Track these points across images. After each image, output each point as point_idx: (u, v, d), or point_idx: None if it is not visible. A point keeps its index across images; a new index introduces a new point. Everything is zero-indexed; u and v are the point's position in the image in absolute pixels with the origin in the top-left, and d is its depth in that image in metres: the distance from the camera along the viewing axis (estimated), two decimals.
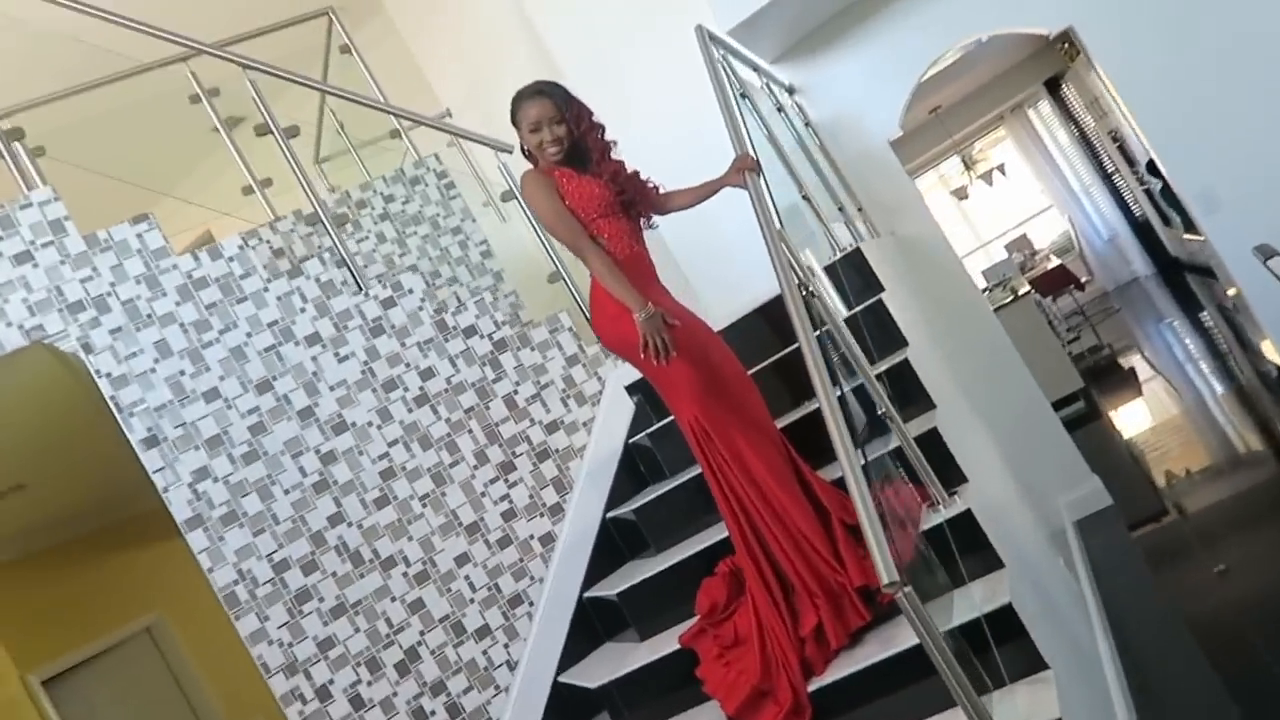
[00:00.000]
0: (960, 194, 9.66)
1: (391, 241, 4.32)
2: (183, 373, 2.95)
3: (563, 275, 3.54)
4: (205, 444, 2.93)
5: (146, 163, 4.91)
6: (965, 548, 2.32)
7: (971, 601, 2.17)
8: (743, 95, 3.28)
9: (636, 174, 2.64)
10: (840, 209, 3.95)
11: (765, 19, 3.99)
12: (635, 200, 2.58)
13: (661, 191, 2.71)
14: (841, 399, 2.31)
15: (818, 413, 2.48)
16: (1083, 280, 9.48)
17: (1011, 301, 6.54)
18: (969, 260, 10.92)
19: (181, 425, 2.91)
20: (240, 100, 3.44)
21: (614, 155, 2.59)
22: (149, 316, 2.95)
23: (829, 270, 3.08)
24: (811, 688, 2.22)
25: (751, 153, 2.63)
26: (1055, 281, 8.79)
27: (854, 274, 3.13)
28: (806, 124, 4.60)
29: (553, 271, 3.59)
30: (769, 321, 3.15)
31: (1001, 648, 2.10)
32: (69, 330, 2.86)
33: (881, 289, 3.08)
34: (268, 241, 3.75)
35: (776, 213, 2.58)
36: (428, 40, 5.66)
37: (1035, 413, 4.50)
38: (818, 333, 2.44)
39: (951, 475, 2.51)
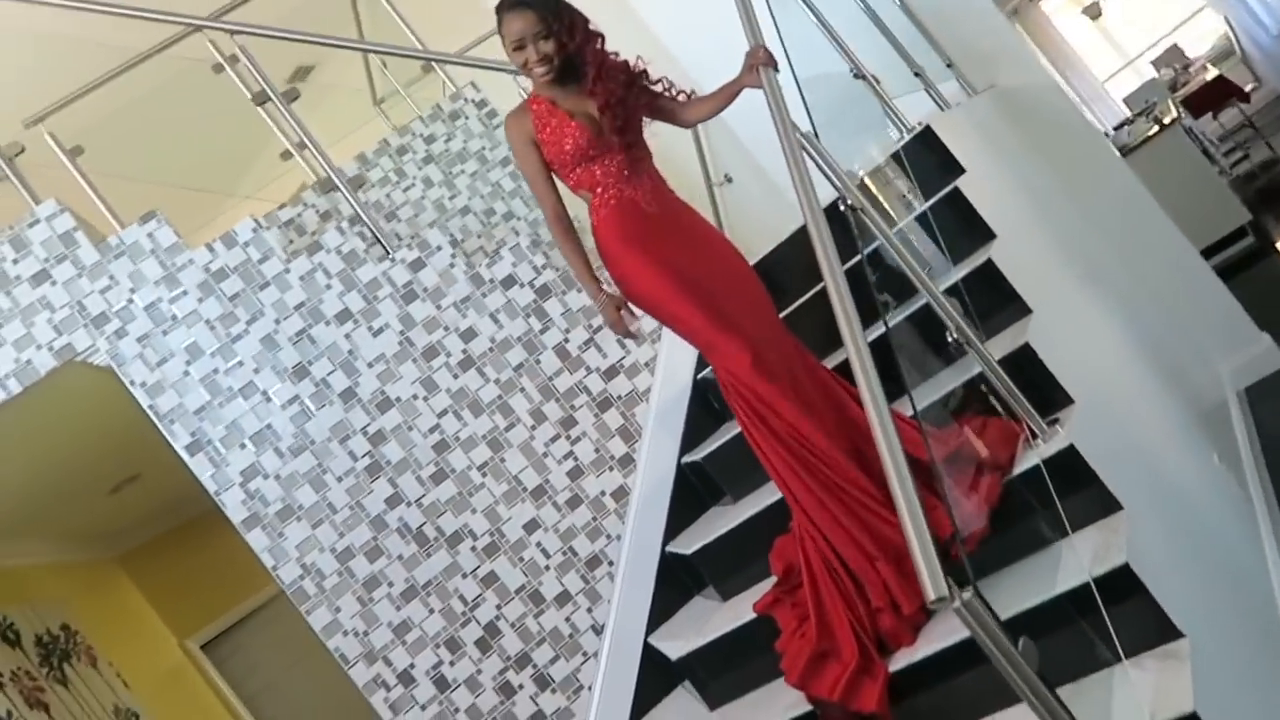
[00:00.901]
0: (1092, 11, 8.47)
1: (439, 184, 4.08)
2: (216, 371, 2.85)
3: None
4: (251, 441, 2.84)
5: (207, 156, 4.83)
6: (1072, 488, 1.93)
7: (1077, 561, 1.79)
8: None
9: (642, 78, 2.25)
10: (916, 74, 3.39)
11: None
12: (632, 122, 2.22)
13: (684, 98, 2.34)
14: (885, 339, 1.93)
15: (876, 343, 2.12)
16: (1247, 89, 8.21)
17: (1155, 134, 5.68)
18: (1116, 83, 9.69)
19: (224, 426, 2.82)
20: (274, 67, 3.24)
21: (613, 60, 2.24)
22: (173, 319, 2.85)
23: (895, 159, 2.61)
24: (894, 667, 1.93)
25: (762, 42, 2.19)
26: (1213, 96, 7.63)
27: (927, 156, 2.66)
28: None
29: None
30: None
31: (1123, 610, 1.74)
32: (97, 345, 2.80)
33: (960, 170, 2.60)
34: (289, 221, 3.59)
35: (808, 113, 2.17)
36: None
37: (1182, 270, 3.87)
38: (869, 249, 2.06)
39: (1054, 397, 2.09)
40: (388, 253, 3.01)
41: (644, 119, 2.29)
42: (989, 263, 2.29)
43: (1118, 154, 4.14)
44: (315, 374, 2.89)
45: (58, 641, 3.90)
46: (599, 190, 2.24)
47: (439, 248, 3.02)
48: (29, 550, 4.25)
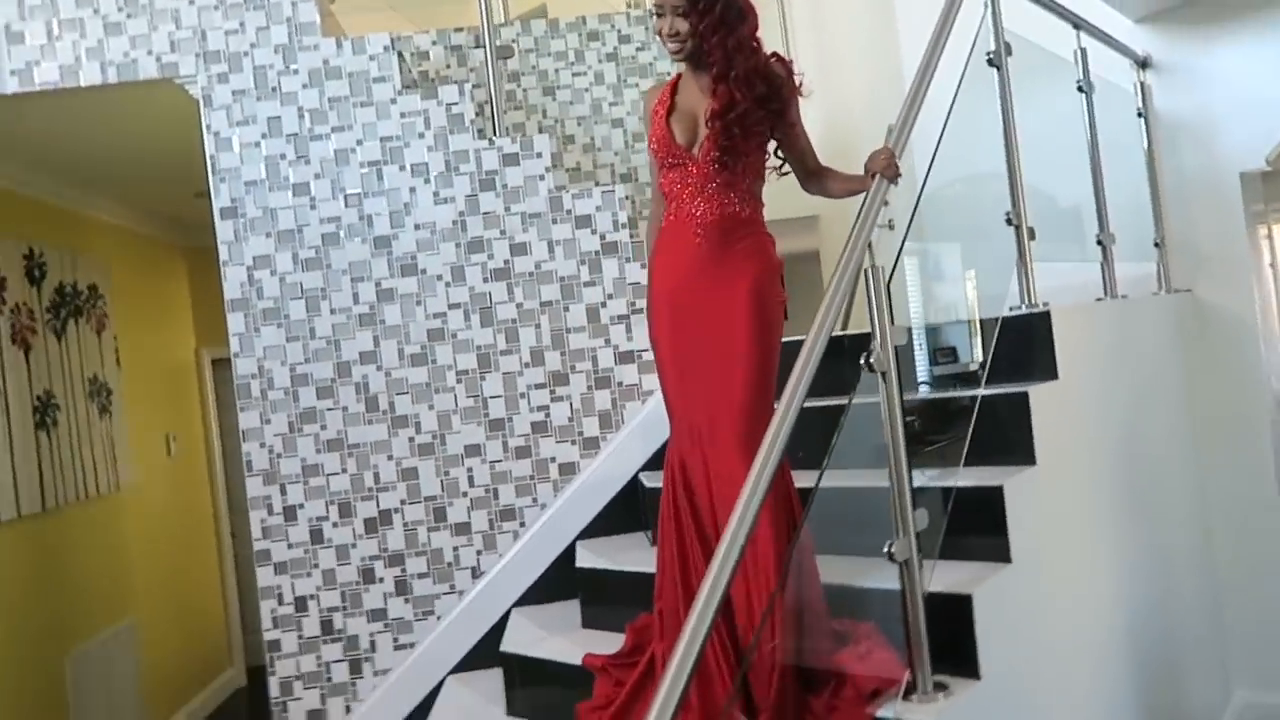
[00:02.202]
0: None
1: (597, 89, 3.90)
2: (283, 156, 2.86)
3: None
4: (277, 235, 2.86)
5: None
6: None
7: None
8: (991, 62, 2.48)
9: (780, 96, 1.99)
10: (1098, 241, 3.03)
11: None
12: (743, 141, 1.98)
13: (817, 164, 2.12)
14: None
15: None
16: None
17: None
18: None
19: (262, 209, 2.85)
20: None
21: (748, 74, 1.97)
22: (273, 90, 2.85)
23: (982, 325, 2.34)
24: None
25: (896, 152, 1.95)
26: None
27: (1029, 335, 2.38)
28: (1140, 114, 3.55)
29: None
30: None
31: None
32: (198, 77, 2.83)
33: (1052, 376, 2.32)
34: (440, 44, 3.51)
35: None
36: None
37: (1256, 577, 3.44)
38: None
39: (965, 662, 1.88)
40: (491, 136, 2.92)
41: (767, 142, 2.06)
42: (998, 491, 2.04)
43: (1270, 420, 3.65)
44: (366, 208, 2.87)
45: (78, 296, 4.13)
46: (671, 202, 2.07)
47: (539, 154, 2.91)
48: (103, 206, 4.47)
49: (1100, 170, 3.10)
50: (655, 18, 2.01)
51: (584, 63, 3.88)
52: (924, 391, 2.40)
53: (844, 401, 1.85)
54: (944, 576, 1.92)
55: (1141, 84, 3.56)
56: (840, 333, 2.80)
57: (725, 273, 2.01)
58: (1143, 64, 3.56)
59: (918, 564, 1.80)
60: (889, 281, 1.84)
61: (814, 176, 2.12)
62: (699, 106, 2.03)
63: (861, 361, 1.80)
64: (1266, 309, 3.71)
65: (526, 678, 2.48)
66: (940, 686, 1.81)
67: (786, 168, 2.12)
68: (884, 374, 1.79)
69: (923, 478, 1.96)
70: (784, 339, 2.07)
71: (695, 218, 2.02)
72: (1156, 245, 3.54)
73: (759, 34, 2.02)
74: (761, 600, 1.93)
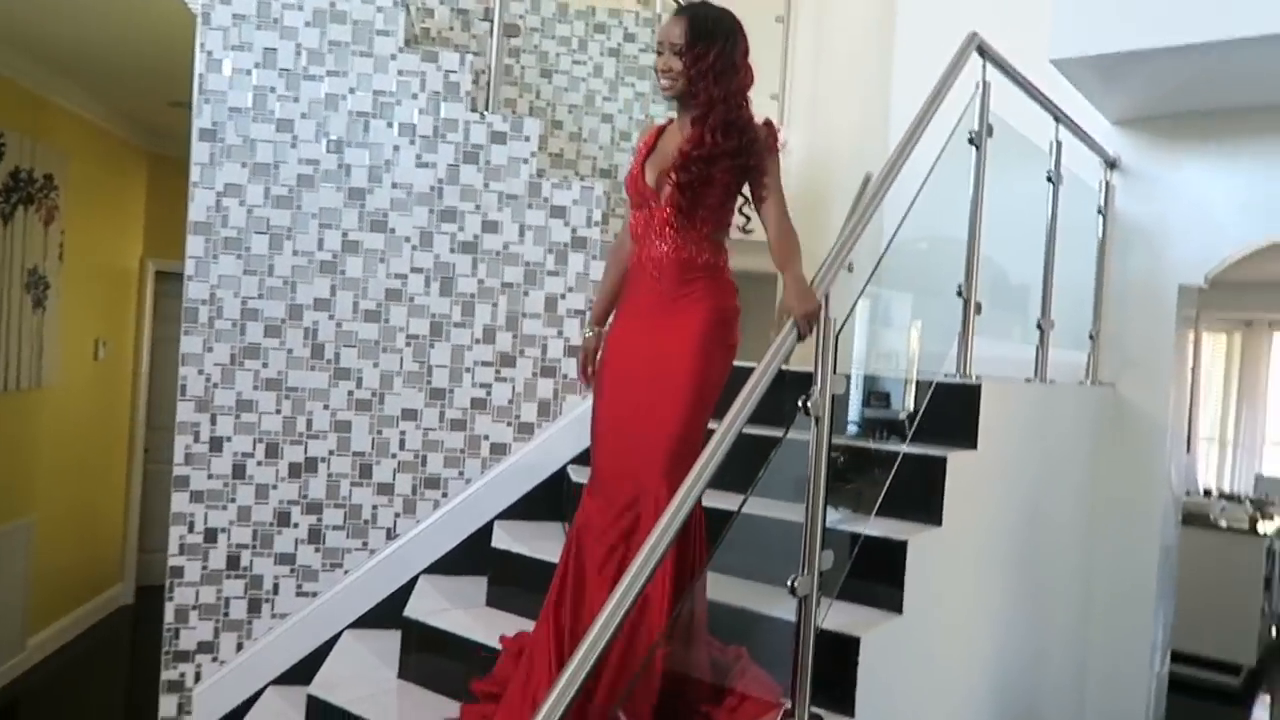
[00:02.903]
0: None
1: (589, 81, 3.95)
2: (273, 89, 2.84)
3: None
4: (253, 166, 2.84)
5: None
6: None
7: None
8: (972, 141, 2.59)
9: (751, 150, 2.01)
10: (1038, 325, 3.18)
11: (1141, 68, 3.06)
12: (706, 190, 2.02)
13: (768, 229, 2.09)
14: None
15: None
16: None
17: (1236, 530, 5.31)
18: (1249, 456, 9.15)
19: (241, 138, 2.83)
20: None
21: (730, 128, 2.01)
22: (275, 21, 2.84)
23: (918, 385, 2.45)
24: None
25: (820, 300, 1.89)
26: None
27: (955, 402, 2.49)
28: (1100, 211, 3.71)
29: None
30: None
31: None
32: None
33: (970, 445, 2.44)
34: (448, 5, 3.52)
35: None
36: None
37: (1131, 658, 3.64)
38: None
39: (843, 695, 1.98)
40: (483, 110, 2.95)
41: (734, 195, 2.09)
42: (902, 546, 2.15)
43: (1172, 513, 3.86)
44: (346, 157, 2.87)
45: (32, 184, 4.02)
46: (636, 243, 2.13)
47: (527, 138, 2.95)
48: (73, 95, 4.36)
49: (1053, 259, 3.25)
50: (656, 53, 2.08)
51: (585, 52, 3.92)
52: (851, 432, 2.50)
53: (775, 433, 1.93)
54: (838, 616, 2.02)
55: (1107, 183, 3.72)
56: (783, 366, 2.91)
57: (677, 310, 2.06)
58: (1111, 164, 3.72)
59: (815, 601, 1.90)
60: (838, 332, 1.92)
61: (770, 239, 2.09)
62: (674, 150, 2.07)
63: (799, 404, 1.89)
64: (1179, 411, 3.92)
65: (424, 644, 2.53)
66: (815, 718, 1.91)
67: (750, 225, 2.14)
68: (818, 418, 1.89)
69: (834, 517, 2.06)
70: (736, 363, 2.14)
71: (654, 259, 2.08)
72: (1091, 338, 3.71)
73: (749, 93, 2.07)
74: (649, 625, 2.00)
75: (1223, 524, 5.39)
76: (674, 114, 2.16)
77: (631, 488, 2.02)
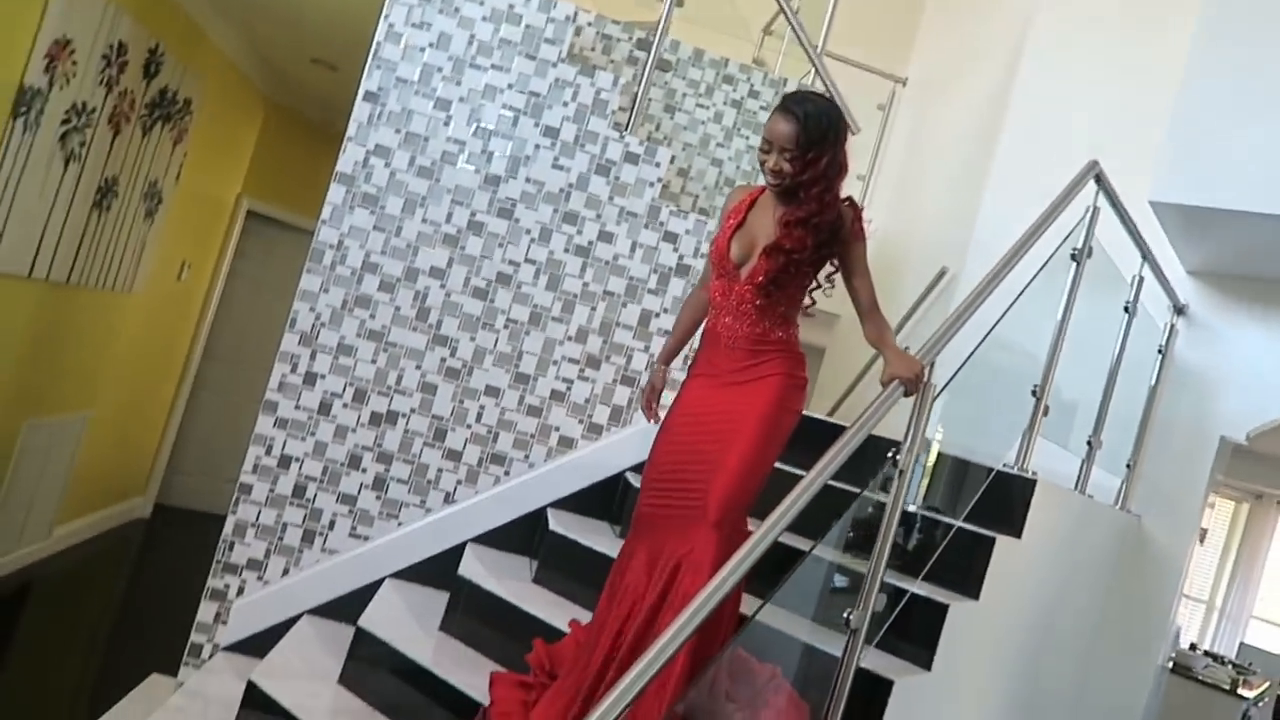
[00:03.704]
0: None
1: (718, 129, 4.18)
2: (439, 70, 3.06)
3: None
4: (405, 135, 3.05)
5: None
6: None
7: None
8: (1073, 257, 2.78)
9: (835, 241, 2.12)
10: (1089, 444, 3.34)
11: (1230, 226, 3.23)
12: (792, 280, 2.13)
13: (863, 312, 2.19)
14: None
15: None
16: None
17: (1217, 688, 5.41)
18: (1234, 626, 9.22)
19: (403, 107, 3.04)
20: None
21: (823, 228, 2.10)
22: (455, 10, 3.06)
23: (983, 471, 2.61)
24: None
25: (927, 363, 2.06)
26: None
27: (1009, 495, 2.65)
28: (1160, 351, 3.89)
29: None
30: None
31: None
32: None
33: (1017, 533, 2.59)
34: (595, 28, 3.76)
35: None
36: None
37: None
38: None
39: None
40: (624, 131, 3.15)
41: (811, 280, 2.19)
42: (943, 609, 2.30)
43: (1168, 653, 3.99)
44: (491, 145, 3.08)
45: (174, 105, 4.26)
46: (713, 309, 2.23)
47: (657, 164, 3.15)
48: (223, 31, 4.61)
49: (1114, 383, 3.42)
50: (762, 152, 2.12)
51: (710, 98, 4.15)
52: (913, 497, 2.65)
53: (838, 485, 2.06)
54: (874, 660, 2.17)
55: (1171, 326, 3.90)
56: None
57: (751, 376, 2.17)
58: (1179, 310, 3.91)
59: (863, 635, 2.05)
60: (937, 395, 2.10)
61: (864, 318, 2.20)
62: (762, 234, 2.15)
63: (889, 456, 2.06)
64: (1193, 565, 4.06)
65: (470, 604, 2.66)
66: None
67: (811, 305, 2.25)
68: (902, 472, 2.05)
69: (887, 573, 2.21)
70: (805, 412, 2.30)
71: (726, 328, 2.19)
72: (1128, 467, 3.86)
73: (842, 187, 2.18)
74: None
75: (1205, 680, 5.48)
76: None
77: (678, 534, 2.12)
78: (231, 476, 5.54)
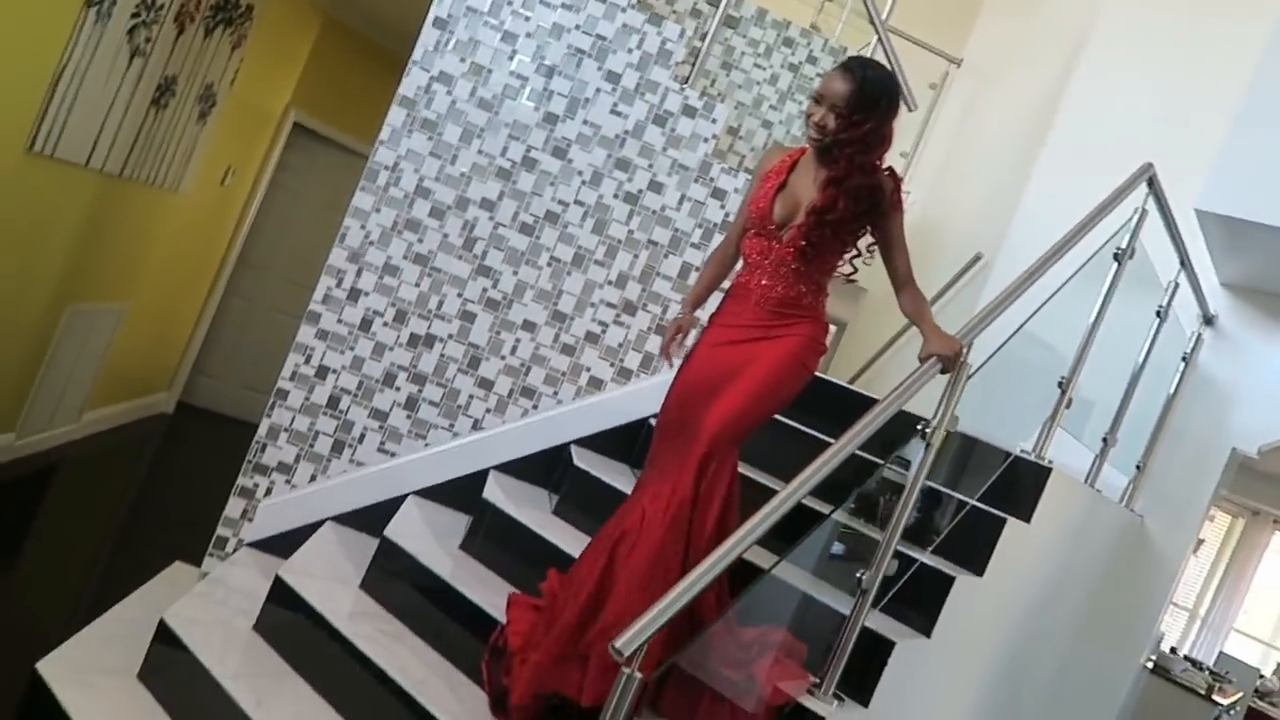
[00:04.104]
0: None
1: (773, 89, 4.18)
2: (510, 3, 3.08)
3: None
4: (470, 65, 3.08)
5: None
6: None
7: None
8: (1116, 257, 2.82)
9: (878, 211, 2.16)
10: (1104, 440, 3.40)
11: (1272, 242, 3.23)
12: (830, 240, 2.17)
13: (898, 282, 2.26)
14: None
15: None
16: None
17: (1195, 691, 5.53)
18: (1214, 636, 9.37)
19: (469, 37, 3.07)
20: None
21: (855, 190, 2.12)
22: None
23: (1002, 455, 2.68)
24: None
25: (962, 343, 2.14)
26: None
27: (1022, 479, 2.72)
28: (1184, 358, 3.93)
29: None
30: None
31: None
32: None
33: (1028, 517, 2.67)
34: None
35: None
36: None
37: None
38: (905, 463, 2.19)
39: (864, 686, 2.22)
40: (684, 83, 3.18)
41: (849, 248, 2.24)
42: (950, 580, 2.38)
43: (1150, 651, 4.09)
44: (552, 84, 3.11)
45: (235, 8, 4.27)
46: (747, 266, 2.26)
47: (714, 120, 3.17)
48: None
49: (1136, 384, 3.47)
50: (812, 101, 2.15)
51: (768, 59, 4.15)
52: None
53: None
54: (877, 621, 2.26)
55: (1198, 335, 3.94)
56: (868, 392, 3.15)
57: (773, 334, 2.22)
58: (1208, 319, 3.94)
59: (872, 597, 2.14)
60: (973, 374, 2.16)
61: (900, 289, 2.26)
62: (805, 195, 2.18)
63: (918, 429, 2.13)
64: (1185, 571, 4.14)
65: (492, 528, 2.76)
66: (838, 696, 2.15)
67: (853, 273, 2.30)
68: (929, 445, 2.13)
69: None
70: (823, 375, 2.36)
71: (761, 287, 2.21)
72: (1138, 467, 3.93)
73: (884, 159, 2.18)
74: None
75: (1182, 683, 5.60)
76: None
77: (671, 472, 2.18)
78: (251, 383, 5.71)
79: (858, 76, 2.09)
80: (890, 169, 2.20)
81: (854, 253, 2.27)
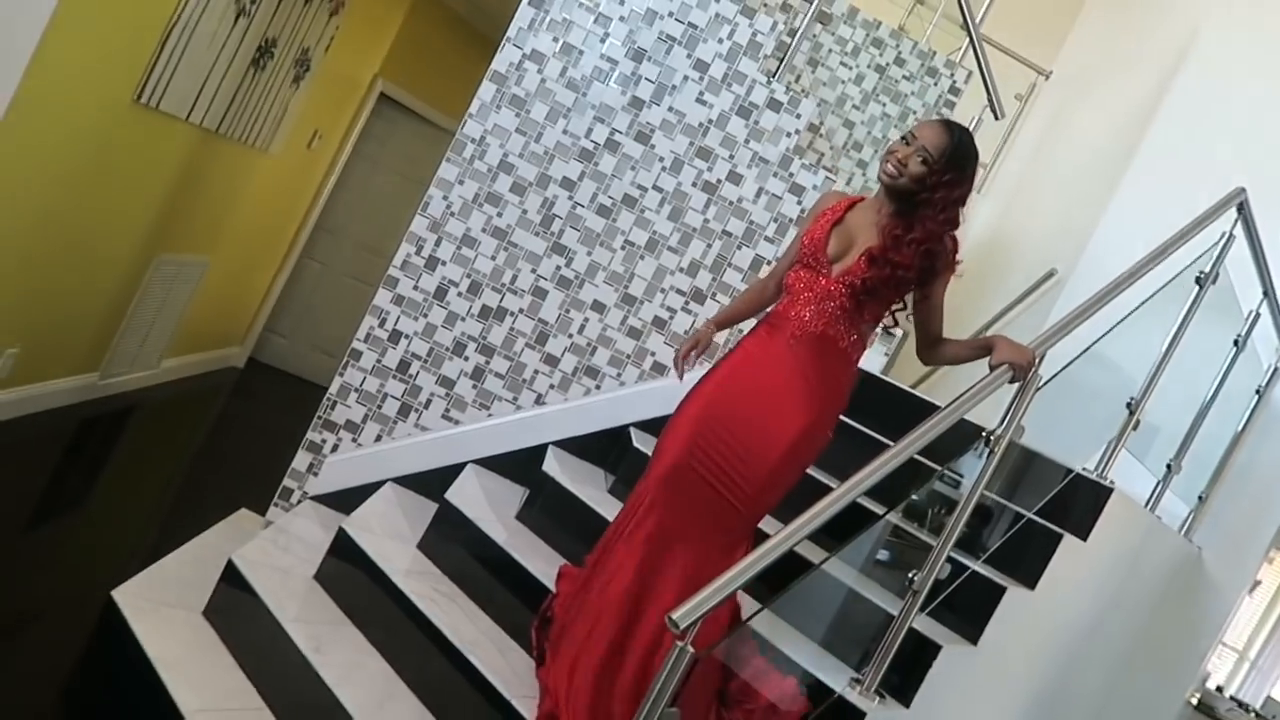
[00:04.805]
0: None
1: (860, 89, 4.17)
2: None
3: None
4: (562, 46, 3.13)
5: None
6: None
7: None
8: (1198, 280, 2.77)
9: (932, 271, 2.12)
10: (1168, 467, 3.34)
11: None
12: (883, 289, 2.13)
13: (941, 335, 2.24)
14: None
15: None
16: None
17: None
18: (1262, 679, 9.11)
19: (564, 19, 3.12)
20: None
21: (926, 245, 2.09)
22: None
23: (1063, 471, 2.66)
24: None
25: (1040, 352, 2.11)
26: None
27: (1081, 497, 2.70)
28: (1259, 391, 3.84)
29: None
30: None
31: None
32: None
33: (1084, 536, 2.64)
34: None
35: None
36: None
37: None
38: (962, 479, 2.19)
39: (906, 687, 2.23)
40: (771, 77, 3.19)
41: (898, 301, 2.21)
42: (1001, 590, 2.38)
43: (1187, 698, 4.02)
44: (641, 69, 3.15)
45: None
46: (789, 295, 2.19)
47: (799, 115, 3.18)
48: None
49: (1207, 412, 3.40)
50: (900, 141, 2.11)
51: (855, 59, 4.14)
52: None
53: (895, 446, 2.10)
54: (926, 624, 2.27)
55: (1275, 369, 3.84)
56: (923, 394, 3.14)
57: (806, 375, 2.14)
58: None
59: (921, 599, 2.14)
60: (1041, 386, 2.15)
61: (933, 345, 2.24)
62: (862, 234, 2.15)
63: (983, 435, 2.13)
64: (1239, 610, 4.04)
65: (549, 501, 2.82)
66: (879, 694, 2.17)
67: (896, 327, 2.28)
68: (993, 451, 2.13)
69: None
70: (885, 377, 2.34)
71: (801, 320, 2.14)
72: (1200, 498, 3.85)
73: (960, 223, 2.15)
74: None
75: None
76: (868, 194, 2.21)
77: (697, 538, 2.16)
78: (318, 344, 5.86)
79: (956, 134, 2.10)
80: (952, 235, 2.16)
81: (900, 306, 2.23)
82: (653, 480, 2.19)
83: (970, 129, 3.14)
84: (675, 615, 1.53)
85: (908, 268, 2.10)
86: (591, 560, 2.29)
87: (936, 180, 2.07)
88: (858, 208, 2.21)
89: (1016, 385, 2.14)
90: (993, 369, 2.12)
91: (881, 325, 2.28)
